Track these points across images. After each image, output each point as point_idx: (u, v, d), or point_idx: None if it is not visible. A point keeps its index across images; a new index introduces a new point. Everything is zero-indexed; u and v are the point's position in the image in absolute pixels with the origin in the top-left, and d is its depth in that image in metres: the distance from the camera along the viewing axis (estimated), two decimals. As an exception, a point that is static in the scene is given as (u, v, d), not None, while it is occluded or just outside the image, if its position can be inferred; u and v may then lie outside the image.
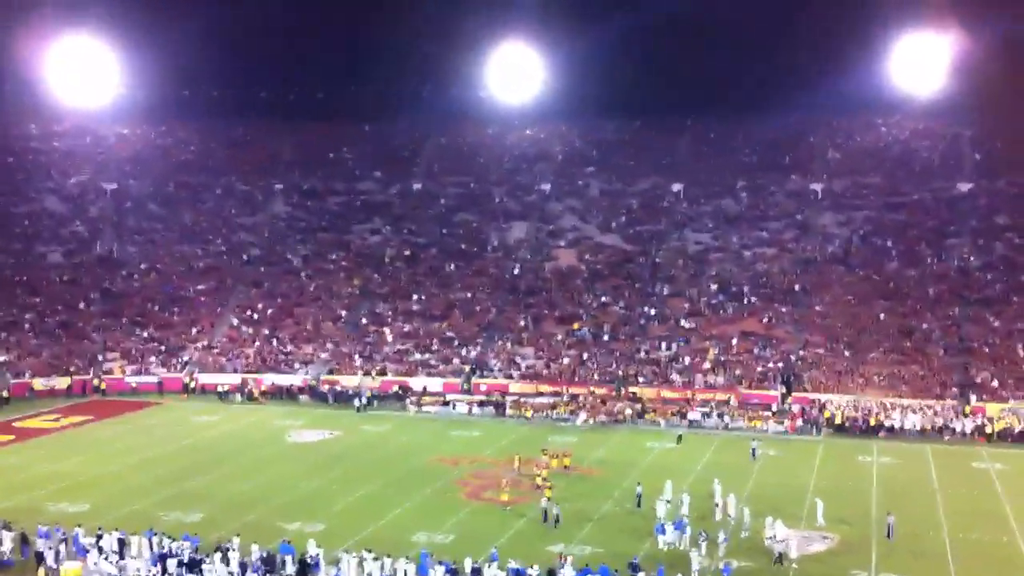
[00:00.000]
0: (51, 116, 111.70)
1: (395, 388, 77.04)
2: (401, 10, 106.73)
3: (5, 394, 74.02)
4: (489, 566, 37.95)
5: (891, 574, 39.37)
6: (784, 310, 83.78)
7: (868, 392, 71.03)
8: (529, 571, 37.26)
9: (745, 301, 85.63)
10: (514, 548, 41.27)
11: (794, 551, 40.49)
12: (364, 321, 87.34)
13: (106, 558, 39.24)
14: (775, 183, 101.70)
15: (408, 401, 73.96)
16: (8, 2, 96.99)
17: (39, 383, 76.92)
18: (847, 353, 76.60)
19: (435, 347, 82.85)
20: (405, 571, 38.12)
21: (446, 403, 73.06)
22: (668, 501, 45.95)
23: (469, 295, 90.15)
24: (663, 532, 42.14)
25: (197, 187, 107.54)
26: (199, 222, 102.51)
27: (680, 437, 62.88)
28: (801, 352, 77.77)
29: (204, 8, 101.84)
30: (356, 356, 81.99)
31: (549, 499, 46.80)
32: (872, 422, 65.66)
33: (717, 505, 46.47)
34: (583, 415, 68.88)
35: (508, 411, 71.23)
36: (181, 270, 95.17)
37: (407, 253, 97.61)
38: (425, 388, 76.55)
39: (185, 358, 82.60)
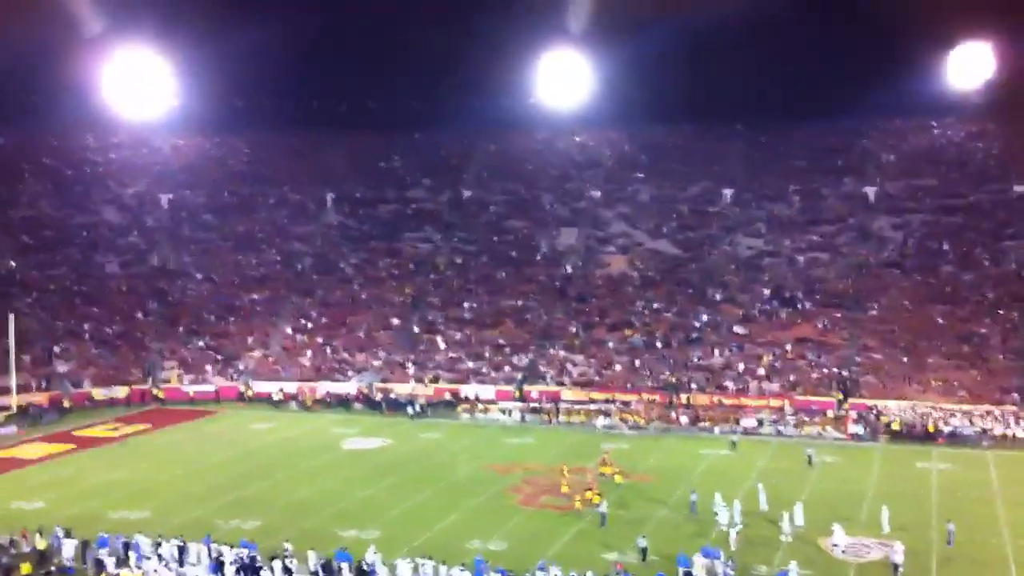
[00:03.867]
0: (108, 128, 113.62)
1: (447, 396, 77.32)
2: (450, 19, 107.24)
3: (67, 404, 75.33)
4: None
5: (952, 582, 38.89)
6: (839, 315, 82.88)
7: (926, 397, 70.09)
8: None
9: (799, 307, 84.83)
10: (568, 555, 41.21)
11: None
12: (416, 329, 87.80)
13: (166, 565, 39.83)
14: (828, 187, 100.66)
15: (461, 408, 74.18)
16: (65, 17, 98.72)
17: (98, 392, 78.18)
18: (904, 358, 75.63)
19: (487, 354, 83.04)
20: (460, 578, 38.28)
21: (500, 411, 73.09)
22: (725, 507, 45.73)
23: (520, 302, 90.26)
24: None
25: (251, 197, 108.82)
26: (253, 232, 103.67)
27: (734, 444, 62.43)
28: (857, 358, 76.91)
29: (256, 20, 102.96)
30: (409, 364, 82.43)
31: (596, 504, 47.06)
32: (930, 428, 64.79)
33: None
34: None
35: (560, 418, 71.29)
36: (236, 279, 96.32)
37: (458, 261, 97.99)
38: (477, 395, 76.78)
39: (241, 367, 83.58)
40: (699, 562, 39.30)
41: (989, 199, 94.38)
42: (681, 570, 39.07)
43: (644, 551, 41.39)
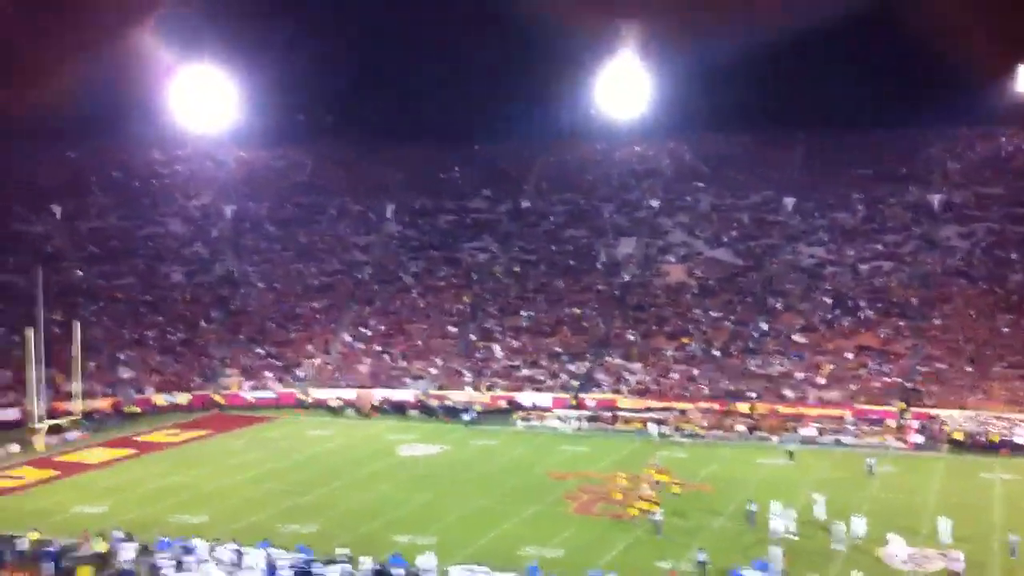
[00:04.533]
0: (174, 142, 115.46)
1: (503, 403, 77.40)
2: (509, 30, 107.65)
3: (136, 409, 76.77)
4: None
5: (1015, 594, 38.03)
6: (902, 324, 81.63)
7: (990, 407, 68.67)
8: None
9: (861, 316, 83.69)
10: (623, 564, 41.01)
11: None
12: (473, 337, 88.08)
13: (223, 569, 40.29)
14: (892, 195, 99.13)
15: (517, 416, 74.20)
16: (132, 34, 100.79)
17: (161, 399, 79.53)
18: (968, 368, 74.24)
19: (544, 363, 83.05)
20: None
21: (557, 418, 72.96)
22: (779, 515, 45.38)
23: (578, 311, 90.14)
24: None
25: (312, 208, 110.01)
26: (314, 242, 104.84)
27: (792, 453, 61.61)
28: (920, 367, 75.65)
29: (317, 35, 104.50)
30: (466, 371, 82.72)
31: (652, 513, 46.93)
32: (995, 438, 63.45)
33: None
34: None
35: (617, 426, 70.98)
36: (297, 289, 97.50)
37: (516, 270, 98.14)
38: (534, 403, 76.74)
39: (300, 374, 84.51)
40: None
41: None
42: None
43: (703, 564, 40.30)
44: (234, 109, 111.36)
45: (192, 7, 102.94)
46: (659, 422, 69.79)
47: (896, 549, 41.68)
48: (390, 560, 40.39)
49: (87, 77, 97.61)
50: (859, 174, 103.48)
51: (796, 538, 44.39)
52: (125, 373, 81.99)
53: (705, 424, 69.67)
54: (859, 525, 44.42)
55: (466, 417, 73.80)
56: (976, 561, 40.56)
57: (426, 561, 39.75)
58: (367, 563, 39.93)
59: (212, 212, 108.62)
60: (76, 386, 70.20)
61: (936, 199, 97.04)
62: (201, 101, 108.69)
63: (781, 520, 45.03)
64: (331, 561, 40.05)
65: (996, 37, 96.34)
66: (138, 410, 76.99)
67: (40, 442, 65.74)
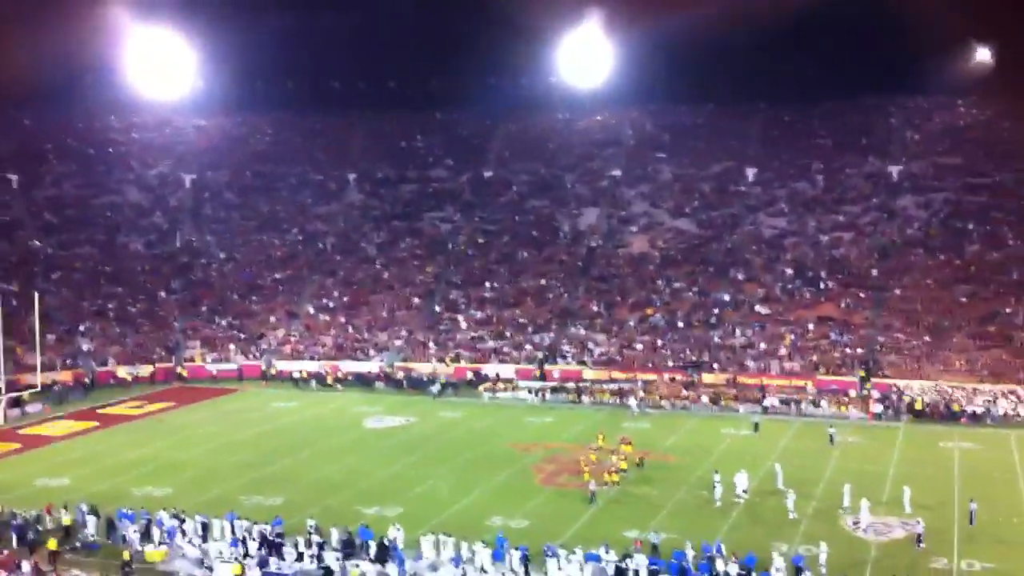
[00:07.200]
0: (130, 108, 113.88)
1: (469, 375, 77.47)
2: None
3: (88, 380, 75.97)
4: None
5: (973, 560, 38.59)
6: (862, 295, 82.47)
7: (949, 377, 69.70)
8: (603, 555, 37.45)
9: (822, 286, 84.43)
10: (590, 534, 41.34)
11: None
12: (438, 308, 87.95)
13: (189, 541, 40.20)
14: (852, 166, 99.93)
15: (482, 388, 74.30)
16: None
17: (123, 371, 78.80)
18: (928, 338, 75.21)
19: (508, 334, 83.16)
20: (481, 555, 38.45)
21: (526, 390, 73.09)
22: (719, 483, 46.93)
23: (542, 282, 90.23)
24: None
25: (273, 177, 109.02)
26: (276, 212, 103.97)
27: (757, 424, 62.27)
28: (880, 337, 76.56)
29: (278, 2, 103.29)
30: (430, 343, 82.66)
31: (615, 483, 48.30)
32: (954, 408, 64.50)
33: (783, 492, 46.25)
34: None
35: (583, 398, 71.28)
36: (259, 259, 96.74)
37: (479, 240, 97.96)
38: (498, 375, 76.85)
39: (263, 345, 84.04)
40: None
41: (1014, 178, 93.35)
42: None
43: (655, 545, 39.51)
44: (193, 75, 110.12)
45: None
46: (629, 394, 70.02)
47: (860, 517, 42.37)
48: (359, 531, 40.41)
49: (41, 41, 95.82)
50: (819, 144, 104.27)
51: (743, 499, 45.77)
52: (86, 345, 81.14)
53: (670, 395, 70.12)
54: (845, 495, 45.16)
55: (434, 389, 73.79)
56: (936, 528, 41.33)
57: (395, 533, 39.81)
58: (335, 534, 39.98)
59: (171, 181, 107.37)
60: (37, 358, 69.38)
61: (895, 170, 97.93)
62: (159, 67, 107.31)
63: (720, 488, 46.39)
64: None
65: (955, 6, 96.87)
66: (92, 381, 76.09)
67: (1, 415, 64.95)
